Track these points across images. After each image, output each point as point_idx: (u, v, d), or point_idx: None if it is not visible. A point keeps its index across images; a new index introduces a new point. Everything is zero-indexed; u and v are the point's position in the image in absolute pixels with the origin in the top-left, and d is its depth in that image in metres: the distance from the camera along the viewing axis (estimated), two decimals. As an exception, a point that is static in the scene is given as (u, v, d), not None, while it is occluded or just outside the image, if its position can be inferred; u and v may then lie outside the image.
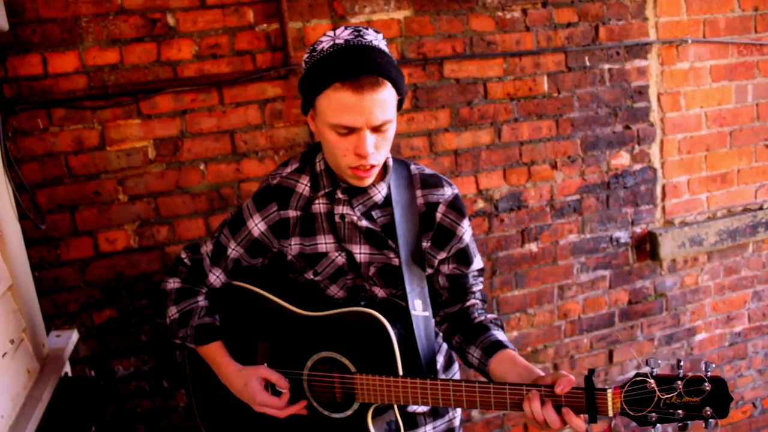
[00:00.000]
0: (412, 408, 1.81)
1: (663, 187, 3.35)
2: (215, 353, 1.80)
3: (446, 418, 1.89)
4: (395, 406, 1.71)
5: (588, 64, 3.12)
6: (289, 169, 1.76)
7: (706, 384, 1.35)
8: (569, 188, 3.18)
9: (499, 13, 2.96)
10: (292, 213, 1.74)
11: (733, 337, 3.65)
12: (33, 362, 2.11)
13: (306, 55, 1.59)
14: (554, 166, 3.14)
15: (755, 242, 3.57)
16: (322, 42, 1.55)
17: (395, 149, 2.86)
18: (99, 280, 2.59)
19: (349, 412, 1.69)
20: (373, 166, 1.58)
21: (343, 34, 1.54)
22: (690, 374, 1.37)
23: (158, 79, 2.56)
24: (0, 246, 2.06)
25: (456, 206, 1.75)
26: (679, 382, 1.37)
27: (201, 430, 1.99)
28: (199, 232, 2.66)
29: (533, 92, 3.06)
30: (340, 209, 1.70)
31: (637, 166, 3.28)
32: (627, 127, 3.24)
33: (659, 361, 1.41)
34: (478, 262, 1.82)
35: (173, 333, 1.83)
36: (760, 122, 3.48)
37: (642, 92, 3.23)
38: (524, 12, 2.99)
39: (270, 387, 1.76)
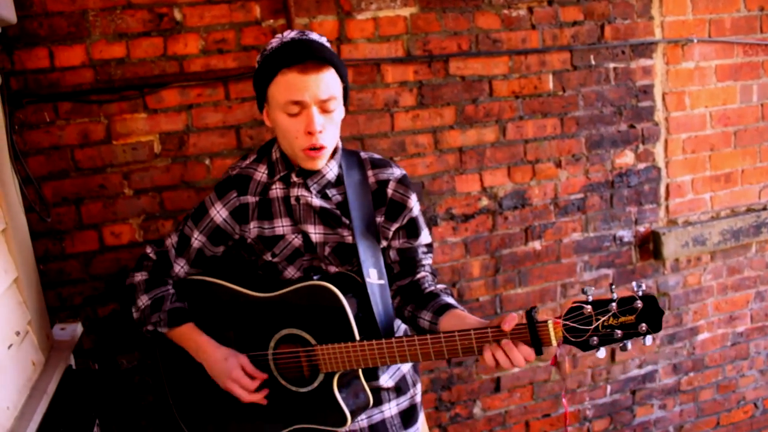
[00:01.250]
0: (379, 383, 1.89)
1: (667, 187, 3.35)
2: (190, 332, 1.87)
3: (408, 395, 1.98)
4: (362, 378, 1.78)
5: (593, 62, 3.13)
6: (247, 161, 1.91)
7: (638, 302, 1.44)
8: (573, 187, 3.19)
9: (505, 11, 2.96)
10: (251, 198, 1.85)
11: (736, 337, 3.65)
12: (38, 354, 2.11)
13: (258, 56, 1.76)
14: (558, 165, 3.14)
15: (758, 242, 3.57)
16: (272, 43, 1.73)
17: (400, 146, 2.87)
18: (104, 274, 2.60)
19: (315, 384, 1.76)
20: (323, 147, 1.72)
21: (290, 34, 1.72)
22: (622, 294, 1.47)
23: (165, 74, 2.56)
24: (6, 239, 2.06)
25: (404, 182, 1.87)
26: (613, 304, 1.46)
27: (178, 420, 2.02)
28: (204, 227, 2.67)
29: (538, 90, 3.07)
30: (296, 191, 1.82)
31: (642, 165, 3.28)
32: (631, 126, 3.24)
33: (592, 288, 1.50)
34: (426, 237, 1.93)
35: (145, 320, 1.89)
36: (765, 122, 3.48)
37: (647, 91, 3.24)
38: (530, 10, 3.00)
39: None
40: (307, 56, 1.65)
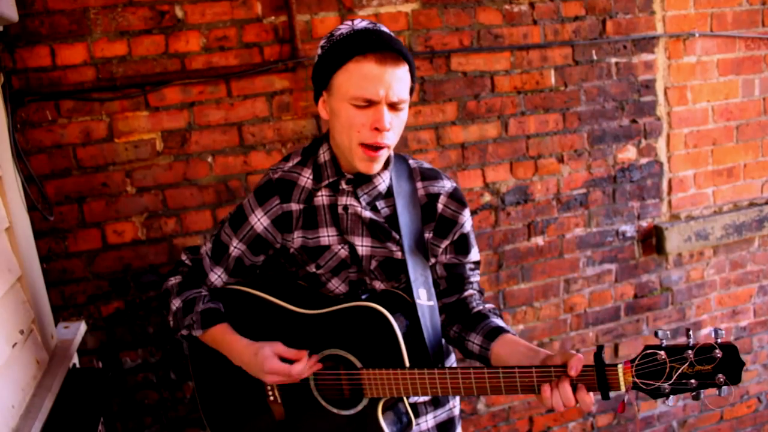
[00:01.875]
0: (413, 398, 1.80)
1: (669, 181, 3.35)
2: (223, 333, 1.75)
3: (446, 408, 1.90)
4: (406, 402, 1.70)
5: (595, 57, 3.12)
6: (290, 164, 1.76)
7: (717, 351, 1.33)
8: (576, 182, 3.18)
9: (507, 7, 2.96)
10: (294, 206, 1.72)
11: (739, 331, 3.65)
12: (42, 353, 2.11)
13: (323, 41, 1.62)
14: (561, 160, 3.14)
15: (761, 237, 3.57)
16: (340, 29, 1.59)
17: (402, 142, 2.87)
18: (107, 272, 2.60)
19: (358, 408, 1.68)
20: (384, 148, 1.59)
21: (362, 24, 1.59)
22: (701, 342, 1.35)
23: (166, 71, 2.56)
24: (9, 237, 2.06)
25: (456, 197, 1.75)
26: (690, 351, 1.35)
27: (206, 427, 1.98)
28: (207, 225, 2.67)
29: (540, 86, 3.06)
30: (344, 200, 1.70)
31: (644, 160, 3.28)
32: (634, 121, 3.23)
33: (668, 332, 1.40)
34: (475, 254, 1.83)
35: (178, 323, 1.79)
36: (767, 116, 3.48)
37: (649, 86, 3.23)
38: (531, 5, 2.99)
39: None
40: (385, 45, 1.52)
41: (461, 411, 3.15)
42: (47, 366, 2.12)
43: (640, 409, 3.51)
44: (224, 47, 2.61)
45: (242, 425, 1.87)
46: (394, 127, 1.58)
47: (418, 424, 1.82)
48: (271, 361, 1.65)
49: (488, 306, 1.80)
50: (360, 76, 1.52)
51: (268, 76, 2.67)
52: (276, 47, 2.67)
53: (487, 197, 3.04)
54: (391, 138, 1.58)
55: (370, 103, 1.54)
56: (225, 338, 1.75)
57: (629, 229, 3.31)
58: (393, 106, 1.55)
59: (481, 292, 1.85)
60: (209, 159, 2.66)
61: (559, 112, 3.11)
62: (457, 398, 1.94)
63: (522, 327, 3.20)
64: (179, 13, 2.55)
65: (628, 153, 3.25)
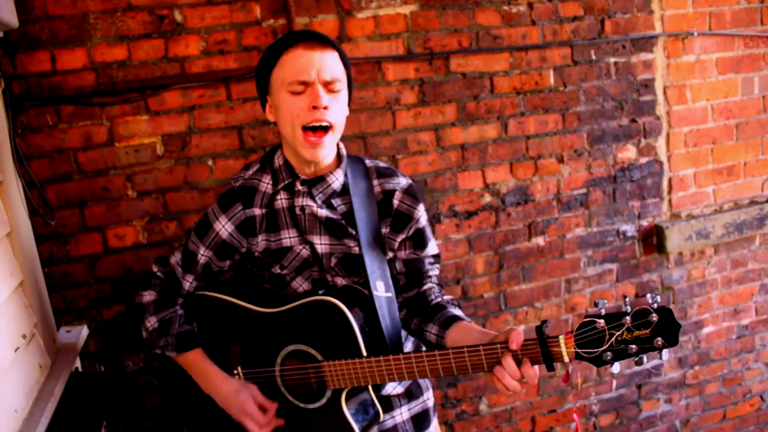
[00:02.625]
0: (386, 391, 1.86)
1: (669, 180, 3.35)
2: (200, 361, 1.83)
3: (420, 400, 1.95)
4: (370, 390, 1.75)
5: (594, 57, 3.12)
6: (250, 171, 1.84)
7: (653, 315, 1.37)
8: (576, 182, 3.18)
9: (505, 8, 2.96)
10: (257, 211, 1.80)
11: (741, 329, 3.64)
12: (45, 357, 2.12)
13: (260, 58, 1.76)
14: (561, 160, 3.14)
15: (762, 235, 3.57)
16: (276, 39, 1.78)
17: (402, 144, 2.87)
18: (108, 276, 2.60)
19: (323, 401, 1.74)
20: (327, 130, 1.66)
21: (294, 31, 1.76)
22: (636, 307, 1.40)
23: (166, 75, 2.57)
24: (11, 242, 2.07)
25: (411, 193, 1.83)
26: (627, 318, 1.39)
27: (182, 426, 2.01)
28: (208, 228, 2.67)
29: (539, 86, 3.06)
30: (300, 201, 1.77)
31: (644, 160, 3.28)
32: (633, 121, 3.24)
33: (605, 301, 1.43)
34: (433, 247, 1.89)
35: (153, 343, 1.85)
36: (767, 115, 3.48)
37: (648, 85, 3.23)
38: (530, 6, 3.00)
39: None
40: (311, 36, 1.67)
41: (463, 411, 3.16)
42: (50, 370, 2.12)
43: (643, 409, 3.51)
44: (224, 51, 2.62)
45: (214, 424, 1.91)
46: (332, 108, 1.66)
47: (392, 417, 1.89)
48: (252, 405, 1.75)
49: (447, 297, 1.87)
50: (291, 63, 1.64)
51: (268, 79, 2.68)
52: (275, 50, 2.67)
53: (487, 198, 3.05)
54: (330, 116, 1.65)
55: (305, 85, 1.64)
56: (200, 366, 1.83)
57: (630, 229, 3.32)
58: (328, 87, 1.65)
59: (440, 285, 1.92)
60: (210, 162, 2.66)
61: (558, 113, 3.11)
62: (431, 390, 2.00)
63: (523, 327, 3.19)
64: (178, 17, 2.56)
65: (628, 152, 3.25)
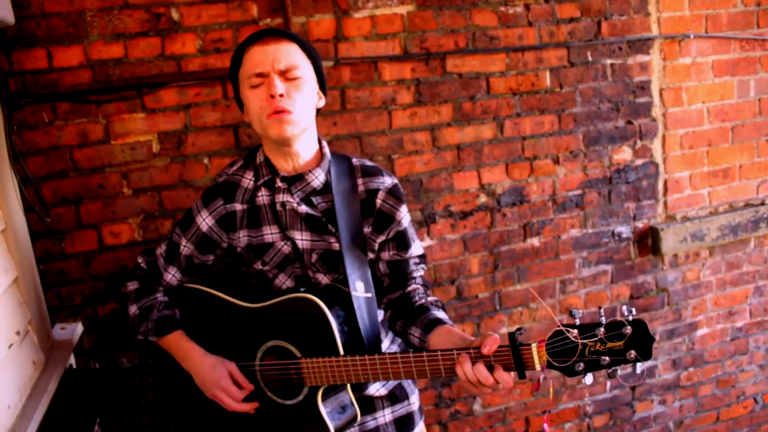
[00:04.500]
0: (369, 392, 1.87)
1: (665, 182, 3.36)
2: (178, 340, 1.87)
3: (404, 404, 1.95)
4: (349, 392, 1.77)
5: (590, 59, 3.13)
6: (234, 167, 1.87)
7: (627, 327, 1.36)
8: (571, 183, 3.19)
9: (502, 8, 2.97)
10: (238, 206, 1.81)
11: (735, 332, 3.65)
12: (39, 354, 2.12)
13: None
14: (556, 161, 3.15)
15: (757, 237, 3.58)
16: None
17: (398, 144, 2.88)
18: (103, 273, 2.61)
19: (300, 397, 1.75)
20: (286, 111, 1.67)
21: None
22: (610, 319, 1.38)
23: (162, 74, 2.57)
24: (6, 239, 2.07)
25: (395, 193, 1.83)
26: (601, 329, 1.38)
27: (168, 425, 2.03)
28: (203, 226, 2.68)
29: (536, 87, 3.07)
30: (281, 197, 1.78)
31: (639, 161, 3.29)
32: (629, 122, 3.25)
33: (581, 311, 1.41)
34: (417, 248, 1.89)
35: (135, 329, 1.90)
36: (762, 117, 3.49)
37: (644, 87, 3.24)
38: (527, 7, 3.00)
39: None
40: (266, 33, 1.72)
41: (456, 411, 3.17)
42: (44, 367, 2.13)
43: (636, 410, 3.52)
44: (220, 49, 2.62)
45: (197, 418, 1.94)
46: (291, 95, 1.68)
47: (375, 419, 1.90)
48: (227, 381, 1.78)
49: (431, 299, 1.87)
50: (250, 59, 1.70)
51: (264, 78, 2.68)
52: (272, 49, 2.67)
53: (482, 198, 3.05)
54: (288, 104, 1.67)
55: (262, 77, 1.68)
56: (180, 345, 1.87)
57: (625, 230, 3.32)
58: (284, 76, 1.68)
59: (425, 285, 1.92)
60: (205, 160, 2.67)
61: (554, 114, 3.12)
62: (416, 394, 2.01)
63: (506, 330, 3.20)
64: (175, 15, 2.57)
65: (624, 154, 3.26)
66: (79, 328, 2.50)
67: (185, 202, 2.65)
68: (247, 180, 1.82)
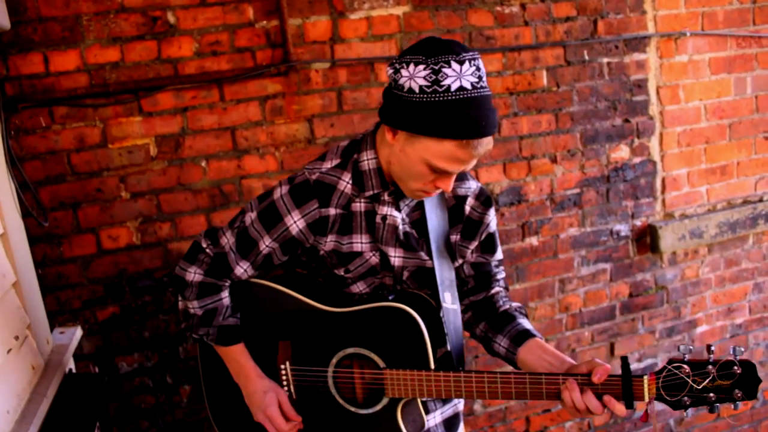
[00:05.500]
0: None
1: (663, 180, 3.36)
2: (237, 354, 1.80)
3: (452, 403, 1.91)
4: (419, 401, 1.71)
5: (587, 58, 3.13)
6: (329, 164, 1.68)
7: (737, 367, 1.41)
8: (569, 182, 3.19)
9: (498, 8, 2.97)
10: (332, 211, 1.67)
11: (734, 329, 3.66)
12: (37, 359, 2.12)
13: (423, 80, 1.45)
14: (554, 160, 3.15)
15: (755, 234, 3.58)
16: (447, 76, 1.43)
17: (395, 144, 2.87)
18: (102, 277, 2.61)
19: (377, 408, 1.70)
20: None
21: (468, 72, 1.46)
22: (722, 359, 1.43)
23: (159, 77, 2.57)
24: (4, 244, 2.07)
25: (482, 198, 1.77)
26: (711, 367, 1.43)
27: (213, 425, 1.99)
28: (201, 229, 2.67)
29: (532, 86, 3.07)
30: (384, 210, 1.68)
31: (637, 159, 3.29)
32: (626, 121, 3.25)
33: (689, 347, 1.47)
34: (500, 252, 1.86)
35: (193, 328, 1.79)
36: (760, 114, 3.49)
37: (641, 85, 3.24)
38: (523, 7, 3.00)
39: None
40: (481, 133, 1.45)
41: (458, 411, 3.17)
42: (43, 371, 2.12)
43: (637, 408, 3.51)
44: (217, 52, 2.62)
45: (251, 423, 1.86)
46: None
47: (426, 420, 1.82)
48: (274, 409, 1.76)
49: (515, 305, 1.83)
50: (448, 154, 1.47)
51: (261, 80, 2.68)
52: (268, 51, 2.68)
53: (480, 198, 3.05)
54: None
55: (446, 172, 1.53)
56: (238, 359, 1.81)
57: (623, 229, 3.33)
58: None
59: (506, 288, 1.88)
60: (203, 163, 2.67)
61: (551, 113, 3.12)
62: None
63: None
64: (171, 18, 2.57)
65: (621, 152, 3.26)
66: (78, 332, 2.49)
67: (183, 206, 2.65)
68: (345, 183, 1.66)
